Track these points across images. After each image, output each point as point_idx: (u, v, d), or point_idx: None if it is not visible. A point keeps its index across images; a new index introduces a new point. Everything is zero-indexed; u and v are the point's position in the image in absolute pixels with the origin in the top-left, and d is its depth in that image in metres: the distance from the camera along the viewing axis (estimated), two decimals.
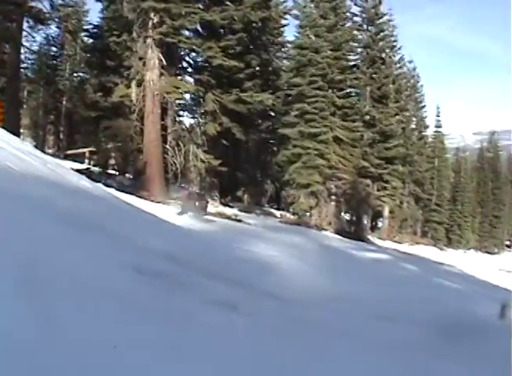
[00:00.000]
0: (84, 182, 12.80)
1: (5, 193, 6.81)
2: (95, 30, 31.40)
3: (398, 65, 50.79)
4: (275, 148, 40.72)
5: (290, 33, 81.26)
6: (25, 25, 28.37)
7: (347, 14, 41.51)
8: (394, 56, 48.88)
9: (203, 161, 29.24)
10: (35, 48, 41.19)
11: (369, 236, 43.44)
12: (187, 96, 31.67)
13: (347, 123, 36.59)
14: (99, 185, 16.47)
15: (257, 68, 34.55)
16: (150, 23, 25.95)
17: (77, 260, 5.26)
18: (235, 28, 30.43)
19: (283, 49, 42.65)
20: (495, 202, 76.78)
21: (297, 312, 7.27)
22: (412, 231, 58.42)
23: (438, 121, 62.92)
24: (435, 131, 63.06)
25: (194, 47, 29.17)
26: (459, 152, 77.86)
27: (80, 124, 31.59)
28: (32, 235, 5.30)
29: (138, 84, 26.24)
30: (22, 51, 29.36)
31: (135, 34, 26.05)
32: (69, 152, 31.81)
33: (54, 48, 43.06)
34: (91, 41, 32.71)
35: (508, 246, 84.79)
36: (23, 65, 32.97)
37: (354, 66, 41.56)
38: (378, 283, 12.42)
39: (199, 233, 15.20)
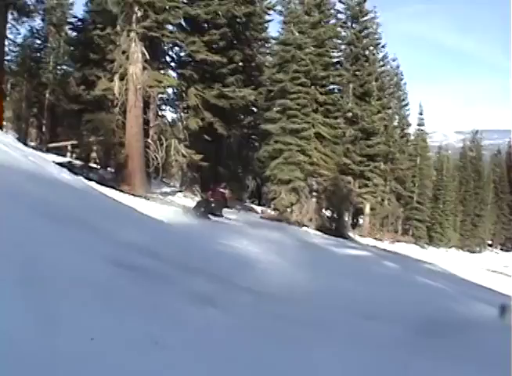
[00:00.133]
0: (65, 175, 12.93)
1: None
2: (79, 23, 31.45)
3: (381, 63, 51.19)
4: (256, 143, 40.88)
5: (273, 29, 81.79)
6: (9, 17, 28.59)
7: (332, 11, 41.94)
8: (377, 53, 49.32)
9: (184, 156, 29.49)
10: (19, 40, 41.28)
11: (350, 233, 43.84)
12: (169, 91, 31.92)
13: (330, 120, 37.03)
14: (80, 178, 16.41)
15: (240, 63, 34.75)
16: (134, 17, 26.13)
17: (55, 252, 5.34)
18: (219, 23, 30.79)
19: (266, 45, 42.79)
20: (477, 201, 77.38)
21: (275, 308, 7.27)
22: (393, 229, 58.80)
23: (421, 119, 63.33)
24: (418, 130, 63.36)
25: (177, 41, 29.59)
26: (442, 150, 78.19)
27: (62, 117, 31.55)
28: (8, 226, 5.42)
29: (121, 78, 26.33)
30: (6, 43, 29.42)
31: (118, 28, 26.21)
32: (51, 145, 31.72)
33: (38, 41, 42.81)
34: (75, 34, 32.77)
35: (490, 245, 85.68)
36: (6, 57, 32.94)
37: (337, 63, 41.91)
38: (358, 280, 12.16)
39: (179, 228, 15.08)
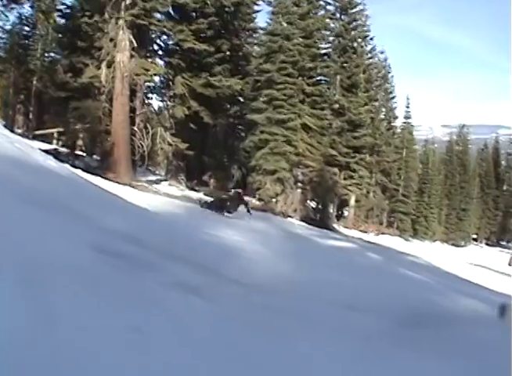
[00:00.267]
0: (51, 162, 12.94)
1: None
2: (67, 10, 31.40)
3: (369, 55, 51.49)
4: (242, 133, 41.09)
5: (262, 19, 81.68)
6: None
7: (321, 2, 42.18)
8: (365, 45, 49.63)
9: (170, 144, 29.76)
10: (8, 27, 41.10)
11: (335, 225, 44.27)
12: (156, 79, 32.19)
13: (316, 111, 37.49)
14: (66, 165, 16.37)
15: (228, 53, 35.02)
16: (122, 5, 26.25)
17: (39, 239, 5.36)
18: (207, 12, 31.14)
19: (254, 35, 42.76)
20: (462, 195, 77.83)
21: (260, 299, 7.27)
22: (377, 221, 59.27)
23: (408, 111, 63.40)
24: (404, 122, 63.46)
25: (165, 30, 29.87)
26: (428, 144, 78.08)
27: (49, 104, 31.53)
28: None
29: (109, 66, 26.49)
30: None
31: (107, 16, 26.32)
32: (38, 132, 31.70)
33: (26, 28, 42.72)
34: (63, 21, 32.76)
35: (475, 239, 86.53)
36: None
37: (325, 54, 42.28)
38: (343, 271, 12.25)
39: (164, 216, 15.14)
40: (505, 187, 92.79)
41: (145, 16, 26.84)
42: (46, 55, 41.02)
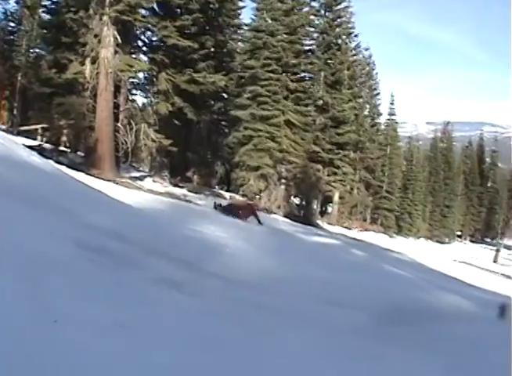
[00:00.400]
0: (35, 158, 13.07)
1: None
2: (52, 6, 31.27)
3: (353, 52, 51.80)
4: (226, 130, 41.37)
5: (246, 15, 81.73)
6: None
7: None
8: (350, 42, 49.93)
9: (154, 141, 29.90)
10: None
11: (319, 221, 44.53)
12: (140, 75, 32.16)
13: (300, 107, 37.85)
14: (50, 161, 16.36)
15: (212, 49, 35.21)
16: (107, 1, 26.26)
17: (23, 234, 5.47)
18: (191, 8, 31.46)
19: (238, 31, 43.16)
20: (446, 192, 78.24)
21: (242, 294, 7.34)
22: (361, 217, 59.48)
23: (392, 108, 63.45)
24: (388, 119, 63.54)
25: (150, 26, 30.00)
26: (412, 141, 78.48)
27: (34, 100, 31.58)
28: None
29: (93, 62, 26.58)
30: None
31: (91, 11, 26.35)
32: (22, 128, 31.70)
33: (11, 24, 42.61)
34: (48, 17, 32.63)
35: (459, 236, 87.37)
36: None
37: (309, 50, 42.34)
38: (326, 267, 12.22)
39: (147, 213, 15.03)
40: (489, 184, 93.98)
41: (129, 12, 26.84)
42: (31, 51, 40.68)
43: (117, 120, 28.02)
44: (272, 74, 35.94)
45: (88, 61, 26.69)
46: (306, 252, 16.63)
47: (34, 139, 32.19)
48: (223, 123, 42.01)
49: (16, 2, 41.20)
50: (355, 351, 5.50)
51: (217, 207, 22.00)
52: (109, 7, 26.36)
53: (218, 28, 36.66)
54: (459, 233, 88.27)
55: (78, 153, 31.70)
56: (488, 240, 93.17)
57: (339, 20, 47.00)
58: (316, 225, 40.25)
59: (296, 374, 4.32)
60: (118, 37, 26.85)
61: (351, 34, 49.32)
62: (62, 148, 31.89)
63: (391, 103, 63.95)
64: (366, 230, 52.95)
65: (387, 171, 61.39)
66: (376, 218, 62.66)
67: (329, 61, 45.25)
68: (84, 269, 5.38)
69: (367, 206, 60.09)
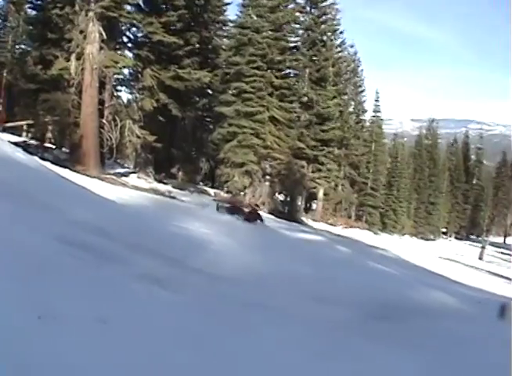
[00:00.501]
0: (20, 155, 13.18)
1: None
2: (38, 2, 31.38)
3: (338, 49, 52.34)
4: (211, 126, 41.61)
5: (232, 11, 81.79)
6: None
7: None
8: (335, 39, 50.40)
9: (138, 137, 30.09)
10: None
11: (303, 218, 44.85)
12: (125, 71, 32.43)
13: (285, 103, 38.16)
14: (35, 158, 16.54)
15: (197, 45, 35.43)
16: None
17: (5, 230, 5.54)
18: (177, 4, 31.69)
19: (224, 28, 43.39)
20: (431, 189, 78.59)
21: (227, 290, 7.36)
22: (346, 214, 60.11)
23: (377, 105, 63.74)
24: (373, 116, 63.87)
25: (135, 22, 30.17)
26: (397, 138, 77.99)
27: (19, 96, 31.60)
28: None
29: (78, 58, 26.68)
30: None
31: (77, 7, 26.51)
32: (8, 124, 31.80)
33: None
34: (34, 13, 32.86)
35: (444, 233, 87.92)
36: None
37: (294, 47, 42.69)
38: (310, 264, 12.28)
39: (131, 209, 15.22)
40: (474, 181, 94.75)
41: (115, 8, 27.01)
42: (17, 47, 40.89)
43: (101, 116, 28.18)
44: (256, 71, 36.19)
45: (73, 57, 26.78)
46: (290, 249, 16.77)
47: (20, 135, 32.20)
48: (208, 119, 42.19)
49: None
50: (339, 348, 5.51)
51: (219, 208, 22.26)
52: (94, 3, 26.55)
53: (204, 24, 36.84)
54: (444, 230, 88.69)
55: (63, 149, 31.86)
56: (474, 237, 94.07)
57: (324, 17, 47.20)
58: (301, 222, 40.53)
59: (278, 370, 4.36)
60: (103, 33, 27.02)
61: (336, 30, 49.74)
62: (47, 144, 31.97)
63: (376, 100, 64.25)
64: (351, 227, 53.21)
65: (372, 167, 61.67)
66: (361, 215, 62.93)
67: (315, 58, 45.49)
68: (68, 265, 5.44)
69: (352, 203, 60.40)
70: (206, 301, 6.35)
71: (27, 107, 30.00)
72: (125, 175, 31.13)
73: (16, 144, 17.58)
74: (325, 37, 47.21)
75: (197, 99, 38.49)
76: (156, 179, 32.73)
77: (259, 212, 23.69)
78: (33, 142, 30.44)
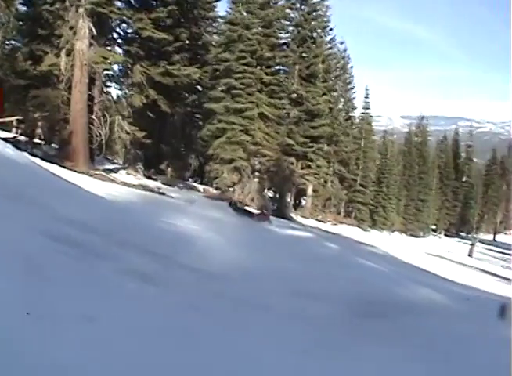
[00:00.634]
0: (9, 151, 13.18)
1: None
2: None
3: (328, 45, 52.54)
4: (200, 122, 41.63)
5: (222, 8, 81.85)
6: None
7: None
8: (325, 36, 50.68)
9: (128, 133, 30.27)
10: None
11: (292, 214, 45.19)
12: (115, 67, 32.51)
13: (274, 100, 38.24)
14: (24, 154, 16.56)
15: (187, 42, 35.61)
16: None
17: None
18: (167, 1, 31.87)
19: (213, 24, 43.52)
20: (421, 186, 78.82)
21: (215, 286, 7.42)
22: (335, 211, 60.39)
23: (367, 102, 63.98)
24: (363, 113, 64.11)
25: (125, 18, 30.35)
26: (387, 134, 78.40)
27: (9, 92, 31.64)
28: None
29: (68, 54, 26.83)
30: None
31: (67, 3, 26.58)
32: None
33: None
34: (24, 8, 32.53)
35: (434, 230, 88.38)
36: None
37: (284, 44, 42.88)
38: (299, 260, 12.47)
39: (120, 205, 15.42)
40: (464, 179, 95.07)
41: (105, 4, 27.14)
42: (7, 43, 40.55)
43: (91, 112, 28.22)
44: (246, 67, 36.27)
45: (63, 53, 26.89)
46: (279, 245, 17.31)
47: (9, 131, 32.09)
48: (197, 115, 42.28)
49: None
50: (326, 345, 5.56)
51: (231, 204, 25.21)
52: None
53: (193, 21, 37.03)
54: (433, 227, 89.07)
55: (53, 145, 31.73)
56: (463, 234, 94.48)
57: (314, 14, 47.66)
58: (290, 219, 40.82)
59: (263, 368, 4.41)
60: (93, 29, 27.11)
61: (326, 27, 49.98)
62: (36, 140, 31.64)
63: (366, 97, 64.52)
64: (340, 223, 53.77)
65: (362, 164, 61.99)
66: (350, 212, 63.33)
67: (304, 54, 45.95)
68: (56, 262, 5.47)
69: (341, 199, 60.69)
70: (194, 297, 6.44)
71: (17, 103, 30.01)
72: (114, 171, 31.14)
73: (5, 140, 17.64)
74: (315, 34, 47.65)
75: (187, 95, 38.70)
76: (145, 175, 32.84)
77: (267, 214, 25.02)
78: (22, 138, 30.06)
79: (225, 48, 37.64)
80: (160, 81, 31.87)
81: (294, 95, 44.74)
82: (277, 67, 40.78)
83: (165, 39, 31.32)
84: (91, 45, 27.31)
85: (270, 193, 47.22)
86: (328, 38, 52.12)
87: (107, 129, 29.12)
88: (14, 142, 20.32)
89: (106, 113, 29.37)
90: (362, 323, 7.29)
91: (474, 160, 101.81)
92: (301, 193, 53.81)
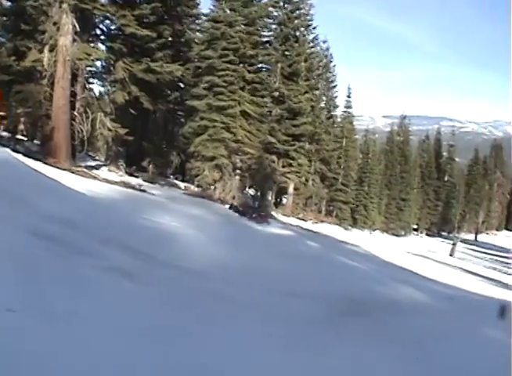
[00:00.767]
0: None
1: None
2: None
3: (311, 44, 53.14)
4: (182, 119, 41.93)
5: (205, 5, 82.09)
6: None
7: None
8: (308, 34, 51.26)
9: (110, 130, 30.54)
10: None
11: (273, 212, 45.26)
12: (98, 64, 32.71)
13: (256, 98, 38.65)
14: (6, 150, 17.15)
15: (170, 39, 36.02)
16: None
17: None
18: None
19: (197, 21, 43.80)
20: (403, 185, 79.43)
21: (195, 284, 7.61)
22: (316, 209, 60.81)
23: (349, 101, 64.55)
24: (345, 112, 64.71)
25: (108, 14, 30.50)
26: (369, 134, 78.71)
27: None
28: None
29: (51, 49, 27.08)
30: None
31: None
32: None
33: None
34: (9, 4, 32.26)
35: (416, 229, 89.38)
36: None
37: (267, 42, 43.32)
38: (281, 258, 12.70)
39: (102, 202, 15.64)
40: (446, 178, 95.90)
41: (89, 0, 27.41)
42: None
43: (73, 108, 28.43)
44: (229, 65, 36.49)
45: (46, 49, 27.13)
46: (261, 243, 17.71)
47: None
48: (179, 113, 42.57)
49: None
50: (306, 342, 5.81)
51: (232, 207, 26.76)
52: None
53: (177, 18, 37.45)
54: (415, 227, 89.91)
55: (35, 141, 32.04)
56: (445, 233, 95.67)
57: (298, 12, 48.11)
58: (271, 217, 40.76)
59: (241, 364, 4.57)
60: (77, 25, 27.37)
61: (309, 26, 50.53)
62: (19, 136, 32.10)
63: (348, 96, 65.04)
64: (321, 222, 54.32)
65: (343, 163, 62.46)
66: (332, 210, 63.72)
67: (287, 53, 46.40)
68: (37, 258, 5.71)
69: (322, 198, 61.09)
70: (176, 294, 6.66)
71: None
72: (96, 167, 31.42)
73: None
74: (298, 33, 48.16)
75: (169, 92, 39.00)
76: (127, 172, 33.15)
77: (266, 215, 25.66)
78: (5, 134, 30.68)
79: (208, 45, 37.74)
80: (142, 77, 32.08)
81: (276, 94, 45.24)
82: (259, 65, 41.02)
83: (148, 36, 31.49)
84: (74, 41, 27.52)
85: (251, 191, 47.72)
86: (311, 37, 52.78)
87: (89, 126, 29.37)
88: None
89: (88, 110, 29.61)
90: (345, 321, 7.57)
91: (457, 159, 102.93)
92: (282, 192, 54.13)
